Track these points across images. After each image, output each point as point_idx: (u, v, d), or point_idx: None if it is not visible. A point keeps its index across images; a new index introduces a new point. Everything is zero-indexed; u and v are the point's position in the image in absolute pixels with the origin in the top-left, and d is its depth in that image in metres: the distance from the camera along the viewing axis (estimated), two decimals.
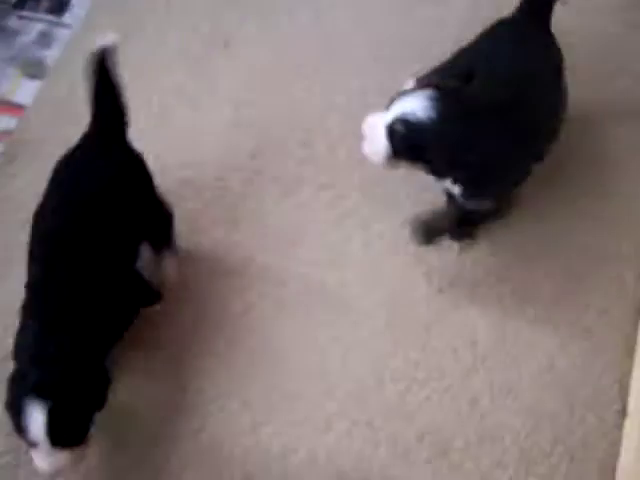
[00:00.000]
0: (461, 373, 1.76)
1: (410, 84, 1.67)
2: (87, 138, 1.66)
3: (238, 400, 1.73)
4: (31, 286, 1.55)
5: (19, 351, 1.53)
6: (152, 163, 1.74)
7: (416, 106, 1.55)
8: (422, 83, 1.64)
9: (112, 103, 1.65)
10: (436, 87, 1.58)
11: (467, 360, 1.77)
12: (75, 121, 2.00)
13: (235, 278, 1.87)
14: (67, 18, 2.26)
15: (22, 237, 1.85)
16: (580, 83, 1.88)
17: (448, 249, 1.89)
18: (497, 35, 1.81)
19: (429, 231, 1.88)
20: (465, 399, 1.73)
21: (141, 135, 1.75)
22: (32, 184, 1.96)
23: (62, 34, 2.23)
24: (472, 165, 1.61)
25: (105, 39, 1.59)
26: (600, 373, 1.75)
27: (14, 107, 2.11)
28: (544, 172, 1.81)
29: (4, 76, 2.17)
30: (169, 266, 1.82)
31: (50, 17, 2.26)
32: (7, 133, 2.07)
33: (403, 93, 1.60)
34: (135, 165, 1.68)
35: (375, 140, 1.59)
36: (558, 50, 1.82)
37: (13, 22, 2.25)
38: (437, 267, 1.87)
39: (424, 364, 1.77)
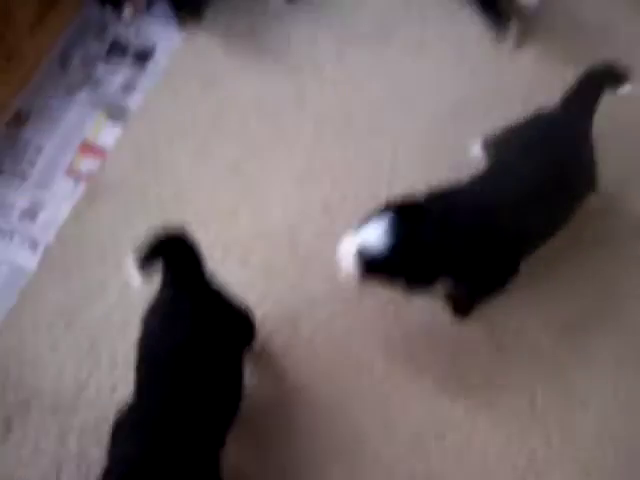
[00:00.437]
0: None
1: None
2: (167, 285, 1.64)
3: None
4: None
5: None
6: None
7: (373, 236, 1.57)
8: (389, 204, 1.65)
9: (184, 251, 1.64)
10: (396, 210, 1.59)
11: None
12: (152, 166, 2.12)
13: None
14: (150, 67, 2.37)
15: (99, 274, 1.95)
16: None
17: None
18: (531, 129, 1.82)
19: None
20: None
21: None
22: (112, 222, 2.07)
23: (145, 82, 2.34)
24: (456, 272, 1.65)
25: None
26: None
27: (97, 150, 2.22)
28: None
29: (89, 120, 2.29)
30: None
31: (135, 66, 2.37)
32: (90, 175, 2.18)
33: (368, 217, 1.61)
34: (216, 300, 1.68)
35: (346, 265, 1.61)
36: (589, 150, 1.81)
37: (101, 69, 2.38)
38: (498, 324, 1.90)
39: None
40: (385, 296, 1.84)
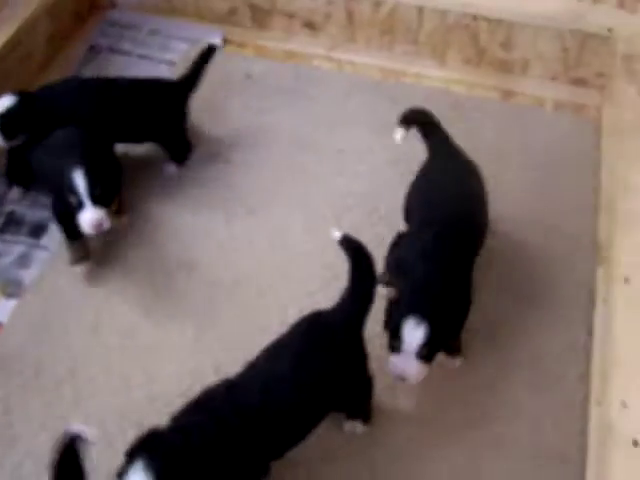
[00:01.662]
0: None
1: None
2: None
3: None
4: None
5: None
6: None
7: None
8: None
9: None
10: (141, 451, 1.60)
11: None
12: (48, 337, 2.19)
13: None
14: (45, 241, 2.47)
15: None
16: None
17: None
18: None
19: None
20: None
21: None
22: (4, 401, 2.10)
23: (40, 255, 2.43)
24: None
25: None
26: None
27: None
28: None
29: None
30: None
31: (29, 240, 2.46)
32: None
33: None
34: None
35: None
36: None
37: None
38: None
39: None
40: None
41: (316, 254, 2.40)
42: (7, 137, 2.38)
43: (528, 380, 2.15)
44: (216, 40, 2.64)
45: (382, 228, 2.43)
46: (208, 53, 2.61)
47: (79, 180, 2.12)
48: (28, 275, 2.39)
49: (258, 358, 1.83)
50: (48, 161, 2.29)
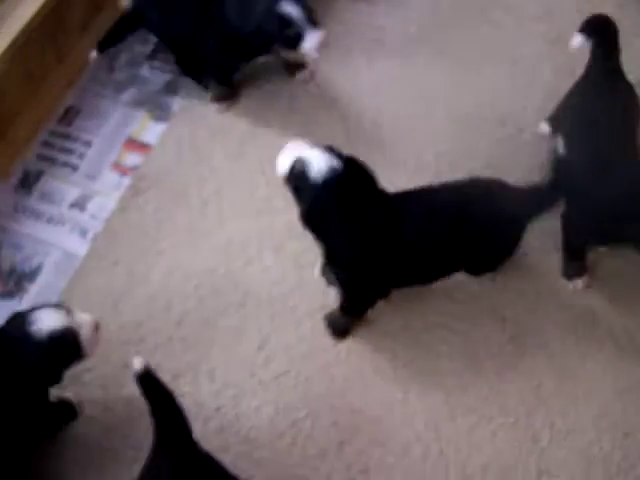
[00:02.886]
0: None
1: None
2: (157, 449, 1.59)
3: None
4: None
5: None
6: None
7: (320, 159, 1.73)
8: None
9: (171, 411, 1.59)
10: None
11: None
12: (195, 160, 2.30)
13: None
14: None
15: (143, 263, 2.13)
16: None
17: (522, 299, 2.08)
18: None
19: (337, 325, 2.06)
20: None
21: None
22: (155, 214, 2.25)
23: (187, 82, 2.52)
24: None
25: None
26: None
27: (142, 146, 2.40)
28: None
29: (134, 118, 2.47)
30: None
31: (176, 67, 2.54)
32: (135, 169, 2.36)
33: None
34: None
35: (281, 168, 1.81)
36: None
37: (145, 71, 2.56)
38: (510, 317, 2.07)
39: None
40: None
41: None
42: None
43: None
44: None
45: None
46: None
47: (293, 10, 2.10)
48: (176, 101, 2.49)
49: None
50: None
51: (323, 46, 2.13)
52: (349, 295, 1.95)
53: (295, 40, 2.12)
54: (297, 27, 2.09)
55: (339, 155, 1.74)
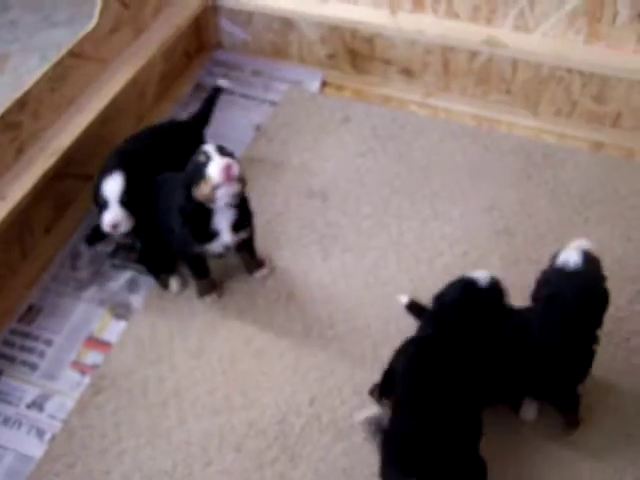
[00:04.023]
0: None
1: None
2: None
3: None
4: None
5: None
6: None
7: None
8: None
9: None
10: None
11: None
12: (155, 358, 2.34)
13: None
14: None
15: (102, 465, 2.11)
16: None
17: None
18: None
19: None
20: None
21: None
22: (115, 414, 2.26)
23: (148, 280, 2.59)
24: None
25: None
26: None
27: (102, 344, 2.44)
28: None
29: (95, 316, 2.52)
30: None
31: (137, 266, 2.63)
32: (95, 367, 2.38)
33: None
34: None
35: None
36: None
37: (107, 269, 2.64)
38: None
39: None
40: None
41: (408, 294, 2.48)
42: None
43: None
44: (222, 82, 2.93)
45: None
46: (215, 94, 2.90)
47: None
48: (136, 299, 2.56)
49: None
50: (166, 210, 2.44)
51: (230, 176, 2.19)
52: None
53: (203, 167, 2.20)
54: (206, 156, 2.20)
55: None
